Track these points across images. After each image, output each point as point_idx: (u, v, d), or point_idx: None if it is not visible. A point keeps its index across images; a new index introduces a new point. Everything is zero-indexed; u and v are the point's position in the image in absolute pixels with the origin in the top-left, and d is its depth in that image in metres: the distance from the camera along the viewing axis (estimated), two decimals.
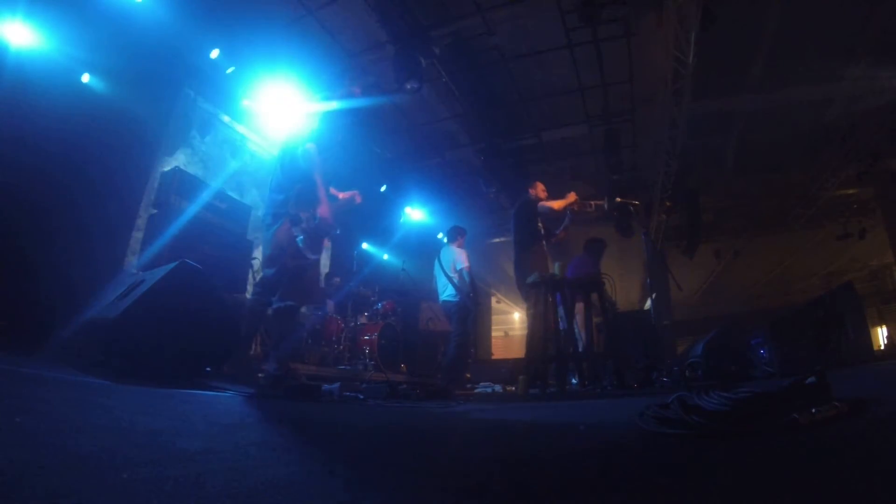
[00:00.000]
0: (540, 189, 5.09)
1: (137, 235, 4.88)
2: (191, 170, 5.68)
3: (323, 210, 2.95)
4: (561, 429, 2.01)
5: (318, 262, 3.14)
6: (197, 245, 4.43)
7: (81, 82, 4.38)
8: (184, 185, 4.78)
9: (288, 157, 3.14)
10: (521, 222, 4.92)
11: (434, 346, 7.52)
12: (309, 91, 4.35)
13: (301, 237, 2.91)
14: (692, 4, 4.77)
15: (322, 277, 7.17)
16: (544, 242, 4.89)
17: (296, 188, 3.00)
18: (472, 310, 5.51)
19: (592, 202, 5.31)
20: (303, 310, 4.11)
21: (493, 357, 11.85)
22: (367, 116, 7.40)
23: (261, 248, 3.09)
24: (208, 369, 3.02)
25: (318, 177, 2.96)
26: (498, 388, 5.40)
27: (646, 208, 8.87)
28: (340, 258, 7.83)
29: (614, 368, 4.25)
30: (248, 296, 3.21)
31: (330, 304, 6.60)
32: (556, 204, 4.94)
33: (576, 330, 4.82)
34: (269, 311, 3.05)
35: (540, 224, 4.91)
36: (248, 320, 3.12)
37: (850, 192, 9.27)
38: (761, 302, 13.37)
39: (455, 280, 5.30)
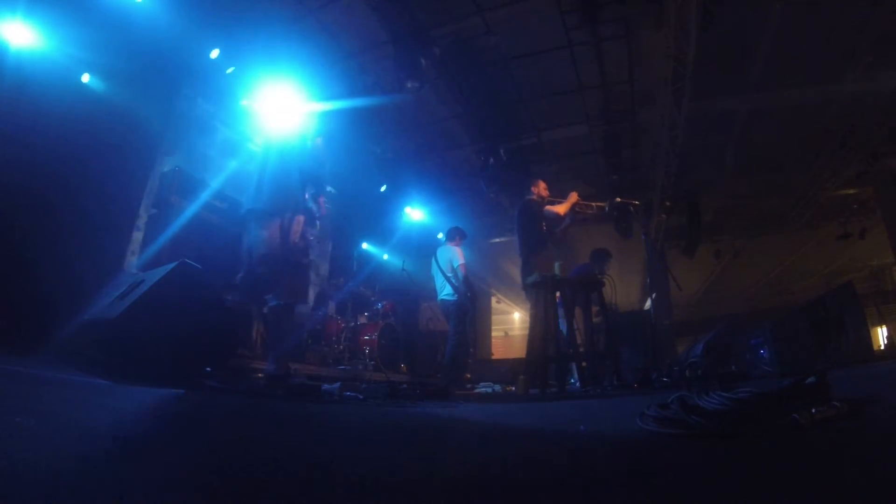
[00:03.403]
0: (542, 187, 5.04)
1: (137, 235, 4.86)
2: (191, 170, 5.67)
3: (322, 199, 3.05)
4: (561, 429, 2.01)
5: (311, 262, 3.22)
6: (197, 245, 4.43)
7: (81, 82, 4.38)
8: (184, 185, 4.79)
9: (289, 157, 3.16)
10: (526, 225, 4.87)
11: (434, 346, 7.53)
12: (308, 91, 4.37)
13: (313, 232, 3.01)
14: (692, 4, 4.77)
15: (322, 278, 7.16)
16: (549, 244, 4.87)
17: (307, 187, 3.10)
18: (469, 309, 5.50)
19: (594, 203, 5.30)
20: (298, 308, 4.14)
21: (493, 357, 11.85)
22: (367, 116, 7.41)
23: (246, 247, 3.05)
24: (209, 369, 3.02)
25: (323, 170, 3.05)
26: (498, 388, 5.40)
27: (646, 208, 8.86)
28: (340, 258, 7.83)
29: (614, 368, 4.25)
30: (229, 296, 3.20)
31: (330, 305, 6.60)
32: (562, 209, 4.91)
33: (575, 330, 4.81)
34: (265, 310, 3.08)
35: (543, 224, 4.87)
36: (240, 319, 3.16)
37: (850, 192, 9.26)
38: (761, 302, 13.35)
39: (453, 279, 5.29)
